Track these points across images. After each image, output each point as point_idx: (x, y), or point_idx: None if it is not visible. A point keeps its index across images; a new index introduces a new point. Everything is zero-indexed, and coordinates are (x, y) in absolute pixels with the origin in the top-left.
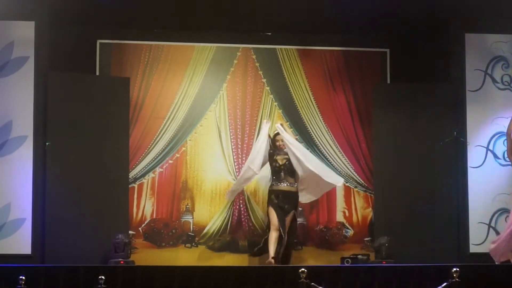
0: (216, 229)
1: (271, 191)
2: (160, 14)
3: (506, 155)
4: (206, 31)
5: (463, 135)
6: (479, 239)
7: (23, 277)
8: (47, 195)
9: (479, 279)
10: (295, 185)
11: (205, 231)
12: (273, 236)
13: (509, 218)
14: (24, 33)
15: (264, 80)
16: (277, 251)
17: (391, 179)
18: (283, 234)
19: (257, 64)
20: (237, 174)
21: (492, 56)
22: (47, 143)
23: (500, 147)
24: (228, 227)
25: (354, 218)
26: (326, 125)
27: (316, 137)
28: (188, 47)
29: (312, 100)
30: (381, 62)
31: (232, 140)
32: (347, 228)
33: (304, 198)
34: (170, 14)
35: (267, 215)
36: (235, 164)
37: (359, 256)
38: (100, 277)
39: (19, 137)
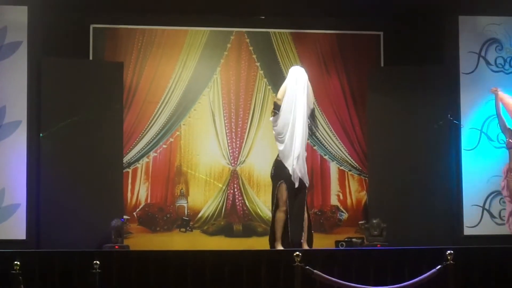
0: (211, 214)
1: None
2: None
3: (499, 138)
4: (199, 15)
5: (457, 118)
6: (473, 222)
7: (18, 262)
8: (42, 180)
9: (474, 262)
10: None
11: (199, 215)
12: (282, 218)
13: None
14: (17, 18)
15: (257, 64)
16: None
17: (385, 162)
18: (306, 213)
19: (251, 48)
20: (231, 158)
21: (486, 38)
22: (41, 135)
23: (494, 130)
24: (223, 211)
25: (349, 202)
26: (320, 109)
27: (315, 118)
28: (182, 31)
29: None
30: (375, 45)
31: (226, 124)
32: (342, 212)
33: None
34: None
35: (277, 193)
36: (229, 148)
37: (354, 240)
38: (94, 261)
39: (13, 122)
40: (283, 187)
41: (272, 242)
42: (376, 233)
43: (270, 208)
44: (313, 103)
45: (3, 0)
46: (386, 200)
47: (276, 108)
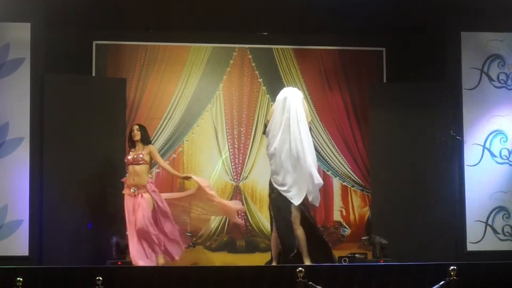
0: (214, 229)
1: None
2: (156, 15)
3: (502, 153)
4: (202, 32)
5: (460, 134)
6: (477, 238)
7: (20, 279)
8: (44, 197)
9: (477, 277)
10: None
11: (202, 231)
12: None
13: None
14: (20, 34)
15: (260, 80)
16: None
17: (388, 178)
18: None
19: (253, 64)
20: (234, 174)
21: (488, 54)
22: None
23: (497, 145)
24: (226, 227)
25: (351, 217)
26: (322, 125)
27: (313, 137)
28: (184, 47)
29: (309, 99)
30: (377, 61)
31: (229, 140)
32: (345, 227)
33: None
34: (166, 14)
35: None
36: (232, 164)
37: (357, 255)
38: (97, 278)
39: (16, 138)
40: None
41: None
42: (378, 251)
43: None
44: (310, 123)
45: (6, 17)
46: (389, 215)
47: (265, 128)
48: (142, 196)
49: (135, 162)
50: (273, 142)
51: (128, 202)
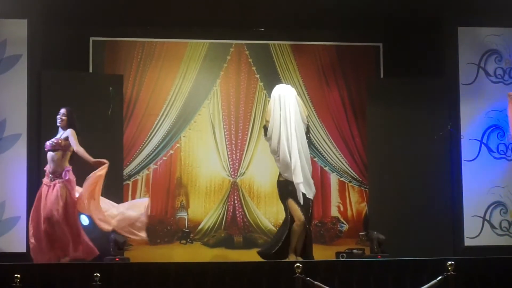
0: (211, 225)
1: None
2: (153, 11)
3: (499, 148)
4: (199, 28)
5: (457, 129)
6: (474, 233)
7: (18, 275)
8: None
9: (474, 272)
10: None
11: (200, 227)
12: (299, 231)
13: None
14: (16, 31)
15: (257, 76)
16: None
17: (385, 174)
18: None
19: (250, 60)
20: (231, 169)
21: (485, 49)
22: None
23: (494, 140)
24: (223, 223)
25: (349, 213)
26: (320, 120)
27: (310, 132)
28: (181, 43)
29: (306, 95)
30: (375, 56)
31: (226, 136)
32: (342, 223)
33: None
34: (163, 10)
35: (290, 211)
36: (229, 160)
37: (354, 251)
38: (95, 274)
39: (13, 135)
40: (293, 203)
41: (279, 253)
42: (375, 247)
43: (270, 220)
44: (307, 117)
45: (3, 13)
46: (387, 211)
47: (265, 130)
48: (55, 185)
49: (51, 148)
50: (281, 141)
51: (43, 190)
